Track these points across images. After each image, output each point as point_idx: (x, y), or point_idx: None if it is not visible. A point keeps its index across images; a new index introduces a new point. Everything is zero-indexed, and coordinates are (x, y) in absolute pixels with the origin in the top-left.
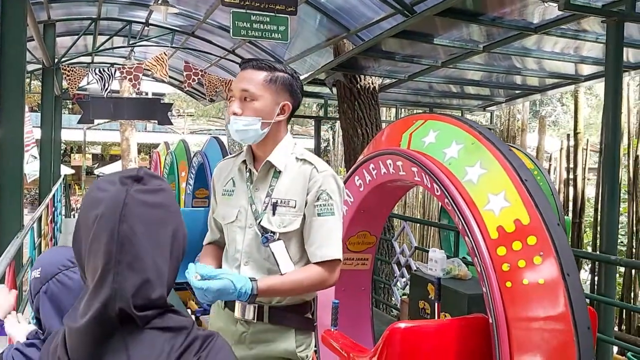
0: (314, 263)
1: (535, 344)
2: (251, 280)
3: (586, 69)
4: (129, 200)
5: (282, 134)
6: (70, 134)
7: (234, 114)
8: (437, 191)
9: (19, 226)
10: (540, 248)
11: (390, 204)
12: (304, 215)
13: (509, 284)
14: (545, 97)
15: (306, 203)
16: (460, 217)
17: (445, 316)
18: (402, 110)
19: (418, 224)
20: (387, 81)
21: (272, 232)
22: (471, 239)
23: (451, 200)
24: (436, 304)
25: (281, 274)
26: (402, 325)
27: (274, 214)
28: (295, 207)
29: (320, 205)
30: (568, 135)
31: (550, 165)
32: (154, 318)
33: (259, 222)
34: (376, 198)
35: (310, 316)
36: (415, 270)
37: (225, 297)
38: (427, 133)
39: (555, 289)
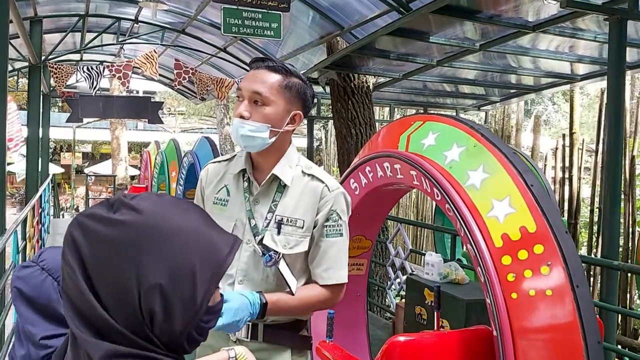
0: (321, 285)
1: (543, 358)
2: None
3: (582, 68)
4: (70, 227)
5: (288, 144)
6: (60, 132)
7: (241, 116)
8: (438, 196)
9: (1, 229)
10: (547, 257)
11: (386, 207)
12: (312, 235)
13: (514, 295)
14: (537, 96)
15: (316, 224)
16: (463, 223)
17: (443, 323)
18: (396, 109)
19: (411, 225)
20: (382, 80)
21: (275, 251)
22: (474, 247)
23: (453, 206)
24: (435, 313)
25: (292, 293)
26: (402, 338)
27: (278, 232)
28: (303, 227)
29: (330, 226)
30: (564, 135)
31: (545, 165)
32: (108, 357)
33: (260, 240)
34: (372, 202)
35: (306, 333)
36: (411, 274)
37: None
38: (427, 135)
39: (563, 301)
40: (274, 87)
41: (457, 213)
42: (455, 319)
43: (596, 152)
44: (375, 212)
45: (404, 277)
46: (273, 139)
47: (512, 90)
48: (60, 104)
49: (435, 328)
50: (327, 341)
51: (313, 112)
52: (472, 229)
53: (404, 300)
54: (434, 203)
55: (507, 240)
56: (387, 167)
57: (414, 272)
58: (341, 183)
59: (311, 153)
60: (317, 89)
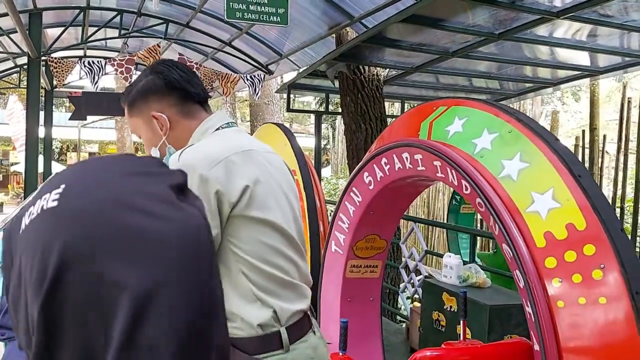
0: None
1: None
2: None
3: (603, 60)
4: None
5: (186, 139)
6: (67, 132)
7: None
8: (467, 189)
9: None
10: (600, 259)
11: (403, 204)
12: None
13: (560, 304)
14: (546, 95)
15: None
16: (498, 220)
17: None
18: (406, 104)
19: (421, 225)
20: (393, 72)
21: None
22: (512, 248)
23: (485, 200)
24: (462, 322)
25: None
26: (428, 352)
27: None
28: None
29: None
30: (583, 132)
31: None
32: None
33: None
34: (388, 197)
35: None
36: (427, 277)
37: None
38: (452, 121)
39: (619, 310)
40: (128, 115)
41: (490, 208)
42: (477, 326)
43: (618, 149)
44: (391, 209)
45: (418, 280)
46: (171, 148)
47: (528, 85)
48: (67, 104)
49: (461, 338)
50: (340, 354)
51: (321, 107)
52: (509, 226)
53: (418, 304)
54: (446, 201)
55: (551, 239)
56: (407, 158)
57: (431, 275)
58: (354, 177)
59: (319, 152)
60: (324, 83)
